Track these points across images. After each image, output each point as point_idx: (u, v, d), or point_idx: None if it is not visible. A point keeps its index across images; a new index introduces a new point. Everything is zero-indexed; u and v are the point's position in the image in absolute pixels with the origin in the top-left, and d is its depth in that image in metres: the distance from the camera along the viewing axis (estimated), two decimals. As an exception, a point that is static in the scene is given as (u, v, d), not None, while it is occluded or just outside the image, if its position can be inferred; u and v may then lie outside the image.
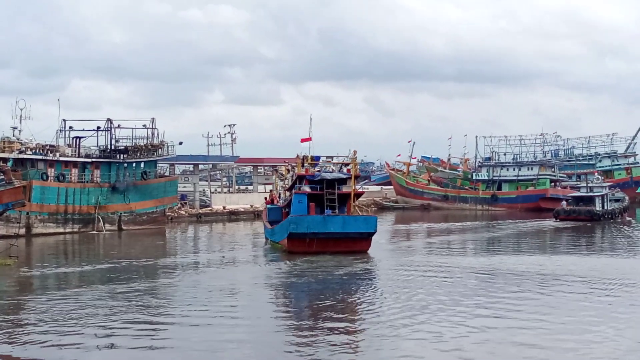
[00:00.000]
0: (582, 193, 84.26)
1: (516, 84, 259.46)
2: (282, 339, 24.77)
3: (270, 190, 73.55)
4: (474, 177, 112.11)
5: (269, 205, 60.40)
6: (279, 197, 61.73)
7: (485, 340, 23.94)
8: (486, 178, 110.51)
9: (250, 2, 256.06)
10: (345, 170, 52.54)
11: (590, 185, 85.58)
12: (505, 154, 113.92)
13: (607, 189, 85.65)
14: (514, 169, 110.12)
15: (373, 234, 49.11)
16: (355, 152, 52.73)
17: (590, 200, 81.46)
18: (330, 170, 52.92)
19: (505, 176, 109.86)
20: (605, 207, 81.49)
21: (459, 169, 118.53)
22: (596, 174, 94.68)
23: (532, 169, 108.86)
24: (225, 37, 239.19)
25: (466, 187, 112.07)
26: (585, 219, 77.72)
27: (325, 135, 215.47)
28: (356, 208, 50.80)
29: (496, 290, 33.56)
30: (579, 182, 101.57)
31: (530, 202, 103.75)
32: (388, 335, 24.71)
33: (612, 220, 79.26)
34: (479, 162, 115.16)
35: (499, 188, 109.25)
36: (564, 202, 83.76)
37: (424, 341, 23.92)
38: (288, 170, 59.97)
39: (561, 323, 26.38)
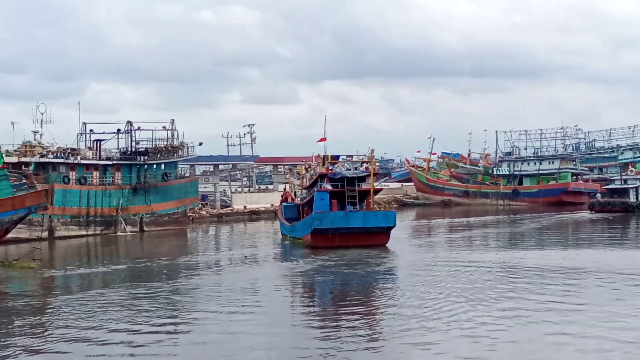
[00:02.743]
0: (617, 185, 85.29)
1: (533, 78, 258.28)
2: (306, 334, 24.78)
3: (284, 189, 75.04)
4: (495, 172, 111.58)
5: (284, 204, 62.46)
6: (295, 195, 63.83)
7: (510, 339, 23.79)
8: (507, 173, 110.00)
9: (262, 2, 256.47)
10: (364, 168, 54.03)
11: (624, 177, 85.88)
12: (525, 148, 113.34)
13: None
14: (535, 163, 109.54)
15: (392, 228, 51.32)
16: (372, 150, 54.88)
17: (624, 192, 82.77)
18: (347, 169, 54.10)
19: (526, 170, 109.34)
20: (639, 199, 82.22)
21: (479, 164, 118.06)
22: (630, 166, 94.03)
23: (553, 163, 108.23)
24: (240, 37, 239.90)
25: (487, 183, 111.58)
26: (620, 211, 78.85)
27: (343, 133, 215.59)
28: (375, 204, 52.55)
29: (532, 285, 33.45)
30: (601, 175, 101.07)
31: (552, 196, 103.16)
32: (410, 327, 24.68)
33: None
34: (500, 157, 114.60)
35: (520, 182, 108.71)
36: (599, 195, 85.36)
37: (447, 333, 23.92)
38: (306, 169, 61.21)
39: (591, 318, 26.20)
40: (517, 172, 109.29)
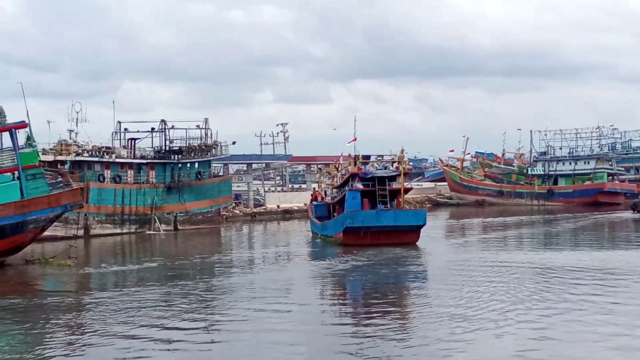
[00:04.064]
0: None
1: (567, 78, 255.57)
2: (339, 333, 24.68)
3: (314, 188, 75.92)
4: (530, 172, 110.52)
5: (314, 202, 63.47)
6: (325, 194, 64.85)
7: (544, 337, 23.56)
8: (542, 173, 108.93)
9: (293, 1, 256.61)
10: (394, 167, 54.91)
11: None
12: (560, 148, 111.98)
13: None
14: (570, 163, 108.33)
15: (422, 226, 51.88)
16: (402, 150, 55.52)
17: None
18: (377, 168, 55.03)
19: (562, 170, 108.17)
20: None
21: (513, 164, 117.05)
22: None
23: (589, 163, 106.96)
24: (272, 36, 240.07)
25: (521, 182, 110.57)
26: None
27: (376, 132, 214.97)
28: (405, 203, 53.72)
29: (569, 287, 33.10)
30: (637, 175, 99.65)
31: (588, 196, 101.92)
32: (443, 327, 24.52)
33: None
34: (534, 156, 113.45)
35: (555, 183, 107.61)
36: None
37: (478, 334, 23.77)
38: (336, 168, 61.98)
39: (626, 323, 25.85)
40: (552, 172, 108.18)
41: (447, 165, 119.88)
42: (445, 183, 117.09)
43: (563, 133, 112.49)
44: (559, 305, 28.30)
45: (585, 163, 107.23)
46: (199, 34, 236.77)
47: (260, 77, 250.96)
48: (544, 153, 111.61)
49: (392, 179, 53.30)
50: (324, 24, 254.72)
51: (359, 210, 51.30)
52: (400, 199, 52.85)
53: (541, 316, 26.39)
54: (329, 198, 61.96)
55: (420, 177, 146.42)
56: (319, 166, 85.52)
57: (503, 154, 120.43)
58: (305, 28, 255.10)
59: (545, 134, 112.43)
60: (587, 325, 24.97)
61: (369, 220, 50.56)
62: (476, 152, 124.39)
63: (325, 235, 56.47)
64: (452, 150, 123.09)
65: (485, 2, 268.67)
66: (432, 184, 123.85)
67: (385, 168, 54.98)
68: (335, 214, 56.12)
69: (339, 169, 61.44)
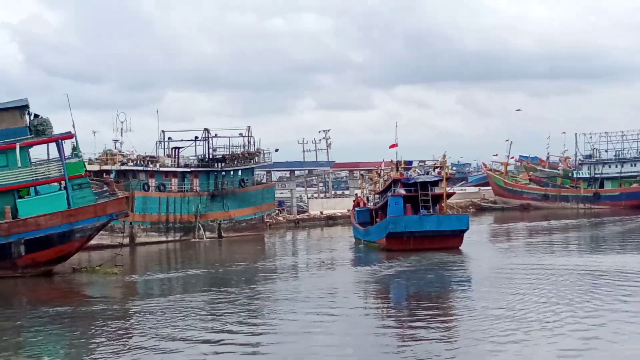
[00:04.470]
0: None
1: (612, 80, 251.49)
2: (383, 339, 24.62)
3: (356, 194, 76.13)
4: (575, 175, 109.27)
5: (357, 208, 63.79)
6: (367, 200, 65.32)
7: (591, 339, 23.26)
8: (587, 176, 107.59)
9: (333, 9, 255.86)
10: (436, 172, 54.93)
11: None
12: (606, 151, 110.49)
13: None
14: (616, 166, 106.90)
15: (465, 230, 51.83)
16: (444, 155, 55.95)
17: None
18: (419, 173, 55.11)
19: (608, 173, 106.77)
20: None
21: (558, 168, 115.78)
22: None
23: (635, 165, 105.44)
24: (313, 44, 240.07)
25: (567, 186, 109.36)
26: None
27: (419, 137, 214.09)
28: (448, 208, 53.92)
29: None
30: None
31: (635, 199, 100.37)
32: (488, 330, 24.31)
33: None
34: (579, 159, 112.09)
35: (601, 186, 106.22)
36: None
37: (524, 336, 23.56)
38: (378, 174, 62.14)
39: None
40: (598, 175, 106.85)
41: (491, 170, 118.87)
42: (489, 187, 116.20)
43: (609, 135, 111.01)
44: (606, 308, 27.94)
45: (632, 165, 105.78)
46: (240, 43, 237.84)
47: (302, 84, 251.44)
48: (590, 156, 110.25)
49: (435, 184, 53.30)
50: (364, 31, 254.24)
51: (402, 216, 51.45)
52: (442, 204, 52.87)
53: (588, 318, 26.09)
54: (372, 204, 62.30)
55: (463, 182, 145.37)
56: (361, 172, 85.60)
57: (548, 158, 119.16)
58: (346, 35, 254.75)
59: (591, 137, 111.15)
60: (635, 327, 24.62)
61: (411, 225, 50.67)
62: (520, 156, 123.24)
63: (368, 241, 56.68)
64: (496, 155, 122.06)
65: (528, 6, 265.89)
66: (475, 189, 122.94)
67: (428, 173, 55.02)
68: (377, 220, 56.29)
69: (381, 174, 61.62)
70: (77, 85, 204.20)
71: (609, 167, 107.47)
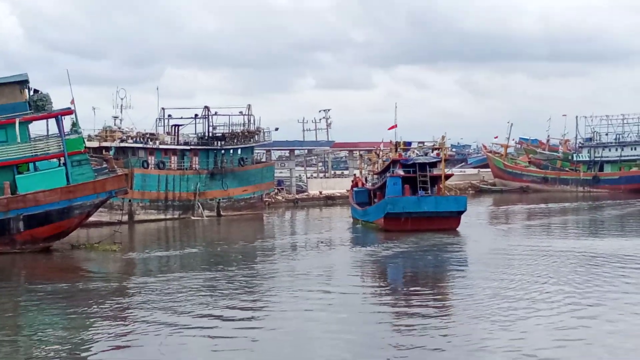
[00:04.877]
0: None
1: (614, 62, 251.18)
2: (380, 320, 24.72)
3: (355, 174, 76.10)
4: (575, 159, 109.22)
5: (355, 189, 63.78)
6: (365, 180, 65.51)
7: (585, 325, 23.37)
8: (587, 159, 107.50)
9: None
10: (435, 154, 55.13)
11: None
12: (607, 134, 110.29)
13: None
14: (616, 149, 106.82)
15: (463, 212, 52.20)
16: (443, 137, 56.43)
17: None
18: (417, 155, 55.21)
19: (608, 157, 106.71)
20: None
21: (558, 150, 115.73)
22: None
23: (636, 149, 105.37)
24: (315, 22, 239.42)
25: (566, 169, 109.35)
26: None
27: (419, 117, 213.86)
28: (446, 189, 54.20)
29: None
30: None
31: (635, 183, 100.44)
32: (483, 317, 24.37)
33: None
34: (580, 142, 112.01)
35: (601, 169, 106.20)
36: None
37: (520, 318, 23.71)
38: (377, 154, 62.33)
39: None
40: (598, 159, 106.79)
41: (490, 152, 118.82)
42: (489, 169, 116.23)
43: (609, 119, 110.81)
44: (602, 289, 28.07)
45: (632, 149, 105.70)
46: (241, 19, 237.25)
47: (302, 62, 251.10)
48: (590, 139, 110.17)
49: (433, 165, 53.62)
50: (367, 9, 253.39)
51: (400, 196, 51.81)
52: (440, 185, 53.11)
53: (584, 299, 26.27)
54: (370, 184, 62.52)
55: (463, 164, 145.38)
56: (361, 152, 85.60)
57: (548, 140, 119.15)
58: (348, 13, 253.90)
59: (591, 120, 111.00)
60: (630, 307, 24.88)
61: (409, 206, 51.15)
62: (520, 138, 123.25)
63: (366, 221, 56.96)
64: (497, 137, 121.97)
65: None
66: (475, 171, 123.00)
67: (426, 154, 55.20)
68: (376, 200, 56.58)
69: (380, 155, 61.86)
70: (77, 61, 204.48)
71: (609, 150, 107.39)
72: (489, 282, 30.58)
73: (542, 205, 78.54)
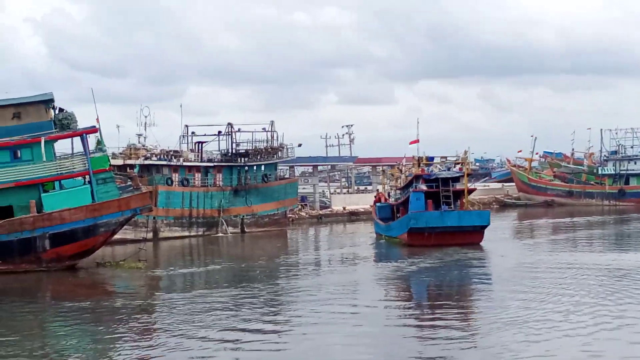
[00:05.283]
0: None
1: (637, 75, 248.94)
2: (404, 336, 24.61)
3: (377, 190, 75.98)
4: (600, 172, 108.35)
5: (378, 204, 63.75)
6: (388, 195, 65.39)
7: (614, 338, 23.15)
8: (613, 172, 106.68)
9: (354, 2, 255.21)
10: (457, 168, 55.21)
11: None
12: (632, 147, 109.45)
13: None
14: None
15: (486, 227, 52.34)
16: (465, 151, 56.25)
17: None
18: (440, 169, 55.28)
19: (633, 170, 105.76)
20: None
21: (583, 164, 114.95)
22: None
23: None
24: (335, 38, 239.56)
25: (591, 182, 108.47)
26: None
27: (441, 132, 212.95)
28: (469, 204, 54.49)
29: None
30: None
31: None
32: (506, 332, 24.21)
33: None
34: (605, 156, 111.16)
35: (627, 182, 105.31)
36: None
37: (545, 334, 23.49)
38: (400, 170, 62.63)
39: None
40: (624, 172, 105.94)
41: (514, 166, 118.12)
42: (513, 184, 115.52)
43: (635, 131, 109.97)
44: (629, 307, 27.74)
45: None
46: (262, 36, 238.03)
47: (324, 78, 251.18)
48: (615, 152, 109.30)
49: (456, 180, 53.76)
50: (386, 24, 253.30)
51: (423, 211, 51.89)
52: (463, 200, 53.16)
53: (614, 318, 25.94)
54: (393, 199, 62.48)
55: (487, 178, 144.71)
56: (384, 168, 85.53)
57: (572, 154, 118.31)
58: (368, 28, 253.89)
59: (616, 133, 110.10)
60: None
61: (433, 221, 51.20)
62: (544, 152, 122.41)
63: (389, 236, 57.00)
64: (520, 151, 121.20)
65: (550, 0, 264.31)
66: (499, 185, 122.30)
67: (449, 169, 55.21)
68: (399, 215, 56.60)
69: (403, 170, 61.93)
70: (100, 79, 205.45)
71: (635, 163, 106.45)
72: (515, 295, 30.39)
73: (568, 219, 77.98)
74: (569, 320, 25.54)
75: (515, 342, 22.95)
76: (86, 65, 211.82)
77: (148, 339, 25.01)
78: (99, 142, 45.74)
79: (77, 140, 45.23)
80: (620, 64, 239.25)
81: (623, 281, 34.13)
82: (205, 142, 72.10)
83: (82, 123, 45.38)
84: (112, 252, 50.26)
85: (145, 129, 66.48)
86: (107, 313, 30.03)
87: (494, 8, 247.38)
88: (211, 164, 68.85)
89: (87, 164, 43.79)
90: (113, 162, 55.32)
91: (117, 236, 48.55)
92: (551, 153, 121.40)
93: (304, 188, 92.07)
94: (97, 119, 45.41)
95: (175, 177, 65.56)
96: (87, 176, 44.54)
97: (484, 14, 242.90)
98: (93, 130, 45.08)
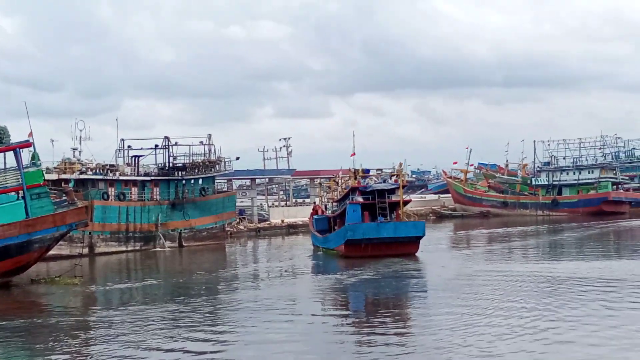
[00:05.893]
0: None
1: (567, 88, 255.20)
2: (342, 346, 24.78)
3: (315, 202, 76.72)
4: (534, 183, 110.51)
5: (315, 216, 64.40)
6: (325, 208, 66.36)
7: (549, 343, 23.70)
8: (546, 183, 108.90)
9: (290, 16, 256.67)
10: (393, 180, 55.80)
11: None
12: (564, 158, 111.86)
13: None
14: (574, 173, 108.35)
15: (421, 237, 52.92)
16: (400, 164, 58.24)
17: None
18: (375, 181, 55.93)
19: (566, 180, 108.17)
20: None
21: (517, 175, 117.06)
22: None
23: (593, 172, 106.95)
24: (271, 51, 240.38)
25: (525, 193, 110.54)
26: None
27: (377, 144, 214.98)
28: (405, 215, 55.20)
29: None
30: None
31: (592, 205, 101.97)
32: (443, 339, 24.59)
33: None
34: (538, 167, 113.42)
35: (560, 193, 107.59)
36: None
37: (480, 342, 23.92)
38: (337, 182, 63.20)
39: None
40: (556, 182, 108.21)
41: (450, 177, 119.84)
42: (449, 195, 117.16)
43: (567, 143, 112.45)
44: (564, 314, 28.42)
45: (589, 172, 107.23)
46: (198, 50, 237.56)
47: (261, 92, 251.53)
48: (548, 163, 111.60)
49: (392, 191, 54.45)
50: (322, 38, 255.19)
51: (360, 223, 52.55)
52: (399, 211, 53.87)
53: (547, 319, 26.60)
54: (330, 212, 63.24)
55: (423, 190, 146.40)
56: (321, 180, 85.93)
57: (506, 165, 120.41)
58: (304, 42, 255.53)
59: (549, 144, 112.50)
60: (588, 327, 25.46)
61: (369, 232, 51.90)
62: (479, 163, 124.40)
63: (327, 248, 57.56)
64: (456, 162, 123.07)
65: (483, 13, 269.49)
66: (435, 196, 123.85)
67: (385, 181, 55.83)
68: (336, 227, 57.24)
69: (339, 183, 62.48)
70: (33, 93, 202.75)
71: (567, 174, 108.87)
72: (452, 302, 30.81)
73: (503, 230, 79.29)
74: (503, 327, 26.07)
75: (456, 345, 23.32)
76: (19, 79, 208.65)
77: (85, 357, 24.68)
78: (33, 157, 45.05)
79: (10, 155, 44.49)
80: (551, 77, 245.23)
81: (558, 288, 34.89)
82: (141, 156, 71.44)
83: (15, 137, 44.69)
84: (47, 269, 49.42)
85: (80, 143, 65.64)
86: (42, 331, 29.56)
87: (429, 23, 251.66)
88: (148, 178, 68.26)
89: (20, 179, 43.07)
90: (47, 176, 54.51)
91: (52, 252, 47.84)
92: (486, 164, 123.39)
93: (242, 201, 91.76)
94: (31, 133, 44.84)
95: (112, 191, 64.85)
96: (20, 191, 43.78)
97: (419, 29, 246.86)
98: (27, 144, 44.43)
